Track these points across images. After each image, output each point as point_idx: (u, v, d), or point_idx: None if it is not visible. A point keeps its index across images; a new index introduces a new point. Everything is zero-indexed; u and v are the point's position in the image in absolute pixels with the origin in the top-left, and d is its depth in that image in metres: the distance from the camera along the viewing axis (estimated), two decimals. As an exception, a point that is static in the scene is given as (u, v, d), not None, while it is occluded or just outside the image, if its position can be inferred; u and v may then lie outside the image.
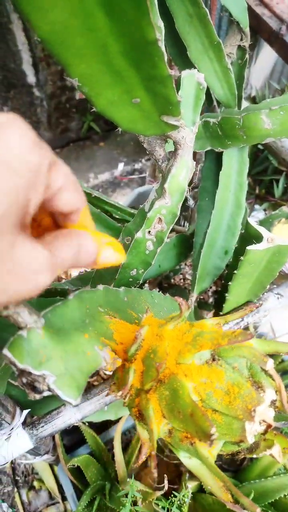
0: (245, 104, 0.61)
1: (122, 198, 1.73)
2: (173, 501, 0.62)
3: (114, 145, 1.87)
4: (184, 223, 0.98)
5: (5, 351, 0.26)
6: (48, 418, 0.45)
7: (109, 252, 0.27)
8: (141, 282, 0.51)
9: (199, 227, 0.64)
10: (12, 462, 1.04)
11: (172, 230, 0.66)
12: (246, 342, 0.32)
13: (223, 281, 0.64)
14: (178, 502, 0.62)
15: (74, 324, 0.33)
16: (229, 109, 0.60)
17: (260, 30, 0.80)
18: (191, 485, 0.68)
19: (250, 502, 0.29)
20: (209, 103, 0.64)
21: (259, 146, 1.31)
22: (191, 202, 0.71)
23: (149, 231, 0.46)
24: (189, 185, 0.46)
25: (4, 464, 0.46)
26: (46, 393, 0.28)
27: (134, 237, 0.46)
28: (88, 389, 0.46)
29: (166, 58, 0.30)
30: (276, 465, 0.71)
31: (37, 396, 0.28)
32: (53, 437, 0.76)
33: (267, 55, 1.44)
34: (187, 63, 0.55)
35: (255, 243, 0.45)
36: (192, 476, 0.71)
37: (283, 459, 0.35)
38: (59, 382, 0.28)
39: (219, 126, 0.55)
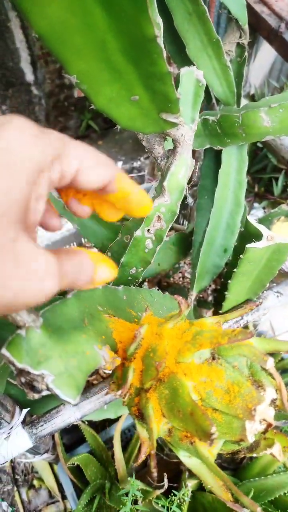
0: (244, 102, 0.61)
1: (121, 197, 1.72)
2: (173, 499, 0.62)
3: (112, 144, 1.86)
4: (183, 221, 0.98)
5: (4, 351, 0.26)
6: (48, 417, 0.45)
7: (103, 270, 0.26)
8: (140, 280, 0.51)
9: (198, 225, 0.64)
10: (12, 461, 1.04)
11: (171, 229, 0.66)
12: (246, 341, 0.32)
13: (222, 280, 0.64)
14: (178, 500, 0.62)
15: (73, 323, 0.33)
16: (228, 107, 0.60)
17: (259, 28, 0.79)
18: (191, 484, 0.68)
19: (250, 501, 0.29)
20: (208, 100, 0.63)
21: (258, 144, 1.30)
22: (190, 200, 0.71)
23: (148, 229, 0.46)
24: (188, 183, 0.46)
25: (3, 463, 0.46)
26: (45, 393, 0.28)
27: (133, 236, 0.46)
28: (88, 388, 0.46)
29: (165, 55, 0.30)
30: (276, 463, 0.71)
31: (36, 396, 0.28)
32: (53, 436, 0.76)
33: (266, 53, 1.44)
34: (186, 61, 0.55)
35: (254, 241, 0.45)
36: (192, 475, 0.71)
37: (283, 458, 0.34)
38: (58, 382, 0.28)
39: (218, 124, 0.55)
